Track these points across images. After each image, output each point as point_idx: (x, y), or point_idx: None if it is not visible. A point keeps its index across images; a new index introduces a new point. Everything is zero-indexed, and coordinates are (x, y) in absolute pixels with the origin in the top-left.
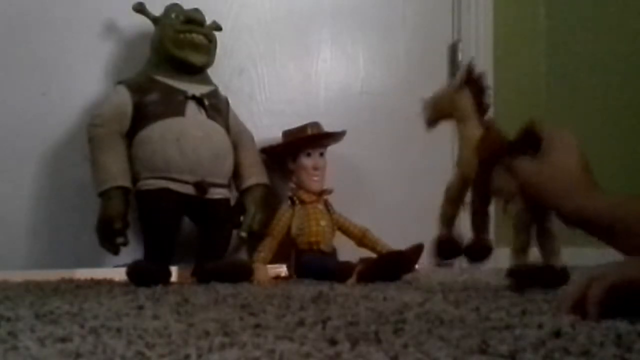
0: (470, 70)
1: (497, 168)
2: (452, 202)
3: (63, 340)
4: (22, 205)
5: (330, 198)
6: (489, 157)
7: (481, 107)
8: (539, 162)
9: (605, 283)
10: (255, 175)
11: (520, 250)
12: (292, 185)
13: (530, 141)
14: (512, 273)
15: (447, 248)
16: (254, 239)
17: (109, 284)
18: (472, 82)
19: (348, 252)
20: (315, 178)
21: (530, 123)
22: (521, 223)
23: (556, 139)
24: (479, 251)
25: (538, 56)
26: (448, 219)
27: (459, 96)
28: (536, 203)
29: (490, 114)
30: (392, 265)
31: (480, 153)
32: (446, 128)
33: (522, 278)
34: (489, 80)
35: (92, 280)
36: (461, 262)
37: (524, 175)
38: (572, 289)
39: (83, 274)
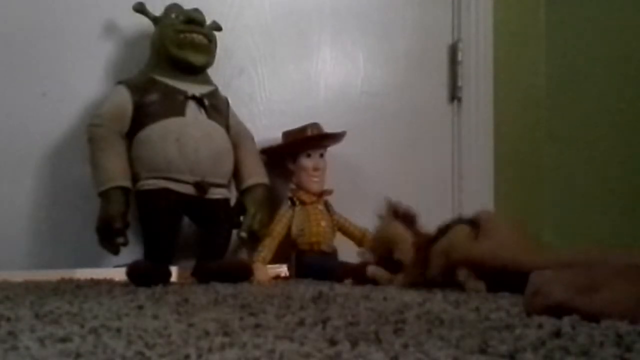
0: (395, 207)
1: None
2: None
3: (63, 340)
4: (22, 205)
5: (330, 198)
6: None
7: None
8: (485, 241)
9: (547, 301)
10: (255, 175)
11: None
12: (292, 185)
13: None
14: None
15: None
16: (254, 239)
17: (109, 284)
18: (399, 215)
19: (348, 252)
20: (315, 179)
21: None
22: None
23: (490, 223)
24: None
25: (538, 56)
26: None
27: (392, 227)
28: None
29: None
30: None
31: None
32: (446, 128)
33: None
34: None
35: (92, 280)
36: None
37: (482, 253)
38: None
39: (83, 274)
